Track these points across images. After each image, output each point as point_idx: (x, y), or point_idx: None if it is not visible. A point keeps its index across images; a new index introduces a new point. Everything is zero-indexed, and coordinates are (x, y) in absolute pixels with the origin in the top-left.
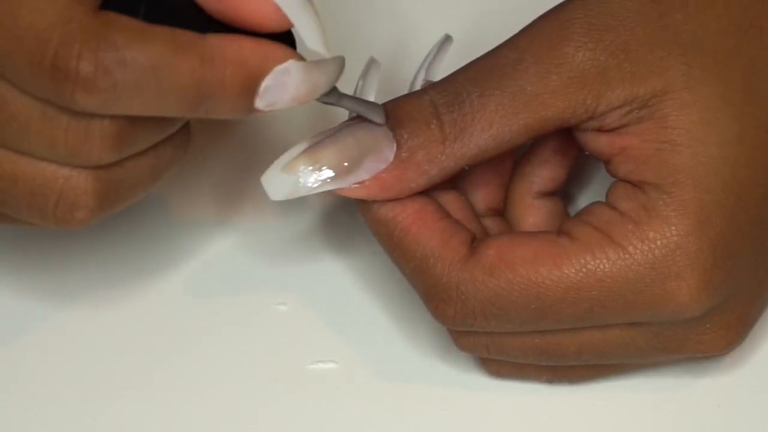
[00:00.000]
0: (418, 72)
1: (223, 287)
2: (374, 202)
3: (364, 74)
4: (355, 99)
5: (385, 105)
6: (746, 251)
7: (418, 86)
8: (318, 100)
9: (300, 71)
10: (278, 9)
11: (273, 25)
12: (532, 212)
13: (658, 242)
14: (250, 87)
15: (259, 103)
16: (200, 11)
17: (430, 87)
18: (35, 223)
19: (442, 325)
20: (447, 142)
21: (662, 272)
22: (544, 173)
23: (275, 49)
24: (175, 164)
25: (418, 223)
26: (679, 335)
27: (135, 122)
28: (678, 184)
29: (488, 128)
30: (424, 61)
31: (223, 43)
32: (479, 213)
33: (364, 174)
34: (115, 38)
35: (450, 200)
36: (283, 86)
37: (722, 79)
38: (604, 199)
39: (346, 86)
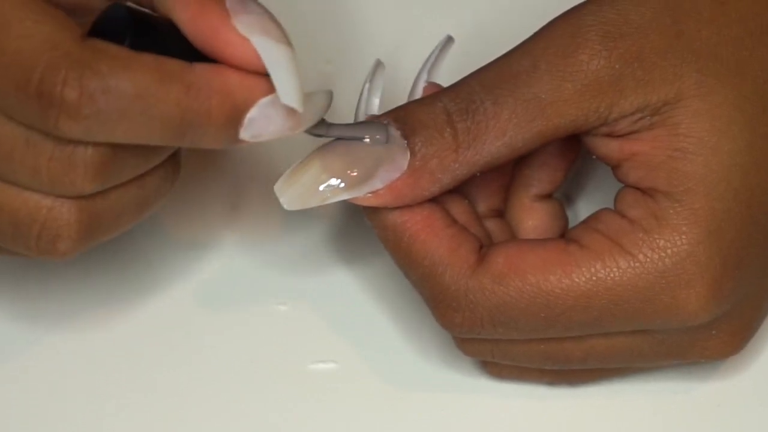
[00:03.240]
0: (420, 73)
1: (224, 287)
2: (383, 208)
3: (371, 77)
4: (346, 127)
5: (396, 111)
6: (755, 259)
7: (420, 88)
8: (307, 132)
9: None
10: (258, 57)
11: (253, 69)
12: (532, 215)
13: (669, 251)
14: (235, 118)
15: (244, 134)
16: (186, 41)
17: (442, 92)
18: (19, 253)
19: (447, 331)
20: (460, 150)
21: (672, 281)
22: (542, 176)
23: (261, 81)
24: (162, 196)
25: (426, 230)
26: (684, 342)
27: (119, 151)
28: (689, 193)
29: (501, 136)
30: (426, 62)
31: (210, 73)
32: (481, 214)
33: (378, 183)
34: (100, 66)
35: (454, 204)
36: (267, 118)
37: (734, 87)
38: (602, 202)
39: (352, 89)
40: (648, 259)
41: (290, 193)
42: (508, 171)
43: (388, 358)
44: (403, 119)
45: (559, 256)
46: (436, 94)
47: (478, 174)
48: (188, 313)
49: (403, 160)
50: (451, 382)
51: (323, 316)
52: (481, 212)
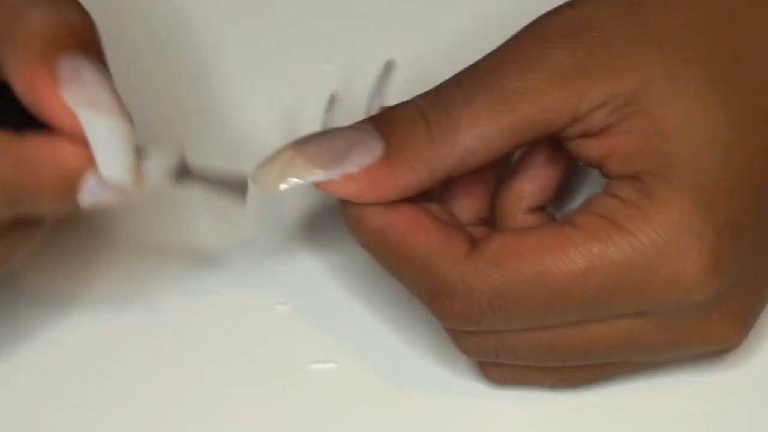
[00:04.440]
0: (372, 99)
1: (224, 287)
2: (366, 214)
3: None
4: (213, 172)
5: (374, 115)
6: (749, 236)
7: (374, 113)
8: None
9: None
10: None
11: (83, 140)
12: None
13: (663, 224)
14: (68, 188)
15: (83, 202)
16: (23, 109)
17: (417, 96)
18: None
19: (446, 325)
20: (434, 141)
21: (668, 254)
22: (532, 188)
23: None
24: (23, 246)
25: (414, 227)
26: (686, 326)
27: None
28: (673, 168)
29: (473, 127)
30: (375, 88)
31: (41, 145)
32: (467, 222)
33: (352, 167)
34: None
35: (437, 212)
36: (103, 187)
37: (704, 68)
38: None
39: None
40: (643, 234)
41: (262, 177)
42: (491, 178)
43: (388, 358)
44: (378, 118)
45: (554, 236)
46: (412, 98)
47: (454, 175)
48: (188, 313)
49: (377, 149)
50: (451, 382)
51: (323, 316)
52: (467, 220)
